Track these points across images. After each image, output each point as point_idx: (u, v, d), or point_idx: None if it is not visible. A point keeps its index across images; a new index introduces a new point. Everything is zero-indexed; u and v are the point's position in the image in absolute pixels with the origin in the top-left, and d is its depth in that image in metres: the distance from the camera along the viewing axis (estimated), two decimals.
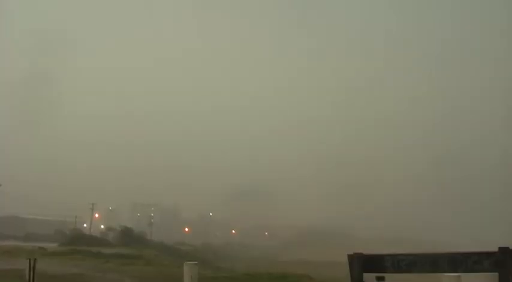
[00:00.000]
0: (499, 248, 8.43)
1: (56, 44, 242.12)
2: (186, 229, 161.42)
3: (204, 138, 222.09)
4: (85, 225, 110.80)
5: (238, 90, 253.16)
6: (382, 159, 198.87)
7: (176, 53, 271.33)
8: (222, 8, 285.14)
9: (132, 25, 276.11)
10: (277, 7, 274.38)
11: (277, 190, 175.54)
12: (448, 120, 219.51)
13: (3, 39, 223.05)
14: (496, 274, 8.38)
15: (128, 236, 78.93)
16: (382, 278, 10.12)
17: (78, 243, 62.03)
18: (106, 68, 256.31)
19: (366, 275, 10.05)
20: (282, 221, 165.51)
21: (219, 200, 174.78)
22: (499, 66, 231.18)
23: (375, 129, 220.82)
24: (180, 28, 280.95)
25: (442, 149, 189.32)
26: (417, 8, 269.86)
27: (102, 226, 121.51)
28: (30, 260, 13.81)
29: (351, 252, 10.37)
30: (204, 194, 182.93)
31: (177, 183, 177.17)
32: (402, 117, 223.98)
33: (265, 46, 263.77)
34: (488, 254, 8.56)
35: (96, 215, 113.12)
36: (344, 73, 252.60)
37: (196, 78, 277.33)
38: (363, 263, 10.04)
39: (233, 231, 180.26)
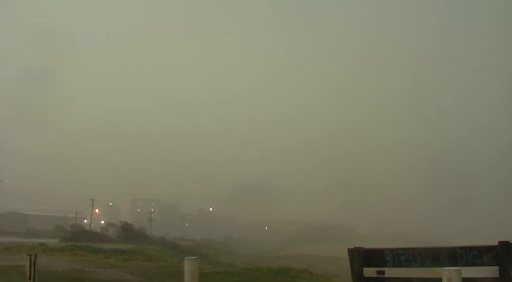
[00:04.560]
0: (499, 242, 8.45)
1: (56, 42, 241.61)
2: (187, 224, 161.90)
3: (204, 134, 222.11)
4: (85, 220, 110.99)
5: (238, 88, 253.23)
6: (382, 155, 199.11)
7: (178, 50, 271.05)
8: (220, 7, 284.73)
9: (132, 24, 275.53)
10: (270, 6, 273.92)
11: (277, 185, 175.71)
12: (447, 116, 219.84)
13: (3, 39, 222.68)
14: (496, 268, 8.41)
15: (128, 232, 79.05)
16: (383, 272, 10.15)
17: (78, 239, 62.18)
18: (106, 65, 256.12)
19: (366, 269, 10.08)
20: (282, 216, 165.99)
21: (220, 195, 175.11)
22: (498, 64, 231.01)
23: (374, 125, 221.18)
24: (180, 27, 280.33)
25: (441, 145, 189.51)
26: (416, 8, 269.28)
27: (102, 222, 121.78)
28: (30, 256, 13.81)
29: (351, 247, 10.40)
30: (205, 189, 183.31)
31: (177, 178, 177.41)
32: (401, 115, 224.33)
33: (263, 45, 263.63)
34: (488, 248, 8.59)
35: (96, 211, 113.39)
36: (342, 71, 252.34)
37: (197, 75, 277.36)
38: (363, 257, 10.07)
39: (233, 226, 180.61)
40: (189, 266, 8.96)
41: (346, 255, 10.47)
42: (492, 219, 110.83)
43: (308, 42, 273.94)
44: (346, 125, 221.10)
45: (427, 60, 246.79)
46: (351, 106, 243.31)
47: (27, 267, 13.55)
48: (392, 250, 9.81)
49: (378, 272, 10.19)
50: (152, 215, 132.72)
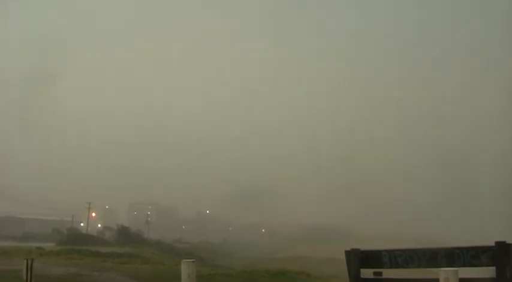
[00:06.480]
0: (496, 242, 8.47)
1: (55, 44, 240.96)
2: (183, 227, 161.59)
3: (201, 137, 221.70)
4: (82, 224, 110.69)
5: (236, 89, 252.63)
6: (382, 158, 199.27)
7: (175, 53, 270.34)
8: (220, 8, 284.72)
9: (131, 25, 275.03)
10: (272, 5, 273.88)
11: (276, 188, 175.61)
12: (446, 118, 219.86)
13: (2, 40, 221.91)
14: (493, 268, 8.42)
15: (125, 235, 78.96)
16: (380, 273, 10.14)
17: (75, 243, 62.00)
18: (104, 68, 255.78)
19: (363, 271, 10.08)
20: (280, 218, 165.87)
21: (217, 198, 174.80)
22: (498, 64, 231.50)
23: (374, 128, 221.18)
24: (180, 28, 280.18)
25: (440, 147, 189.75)
26: (416, 7, 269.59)
27: (99, 225, 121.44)
28: (27, 260, 13.79)
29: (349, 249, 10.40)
30: (202, 192, 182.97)
31: (175, 181, 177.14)
32: (401, 116, 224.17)
33: (263, 45, 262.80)
34: (485, 249, 8.60)
35: (93, 214, 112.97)
36: (342, 72, 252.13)
37: (194, 77, 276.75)
38: (360, 258, 10.07)
39: (230, 229, 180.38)
40: (186, 269, 8.96)
41: (344, 257, 10.46)
42: (494, 219, 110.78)
43: (308, 44, 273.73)
44: (345, 127, 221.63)
45: (428, 61, 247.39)
46: (351, 108, 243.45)
47: (24, 272, 13.52)
48: (390, 251, 9.82)
49: (375, 273, 10.19)
50: (149, 218, 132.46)
